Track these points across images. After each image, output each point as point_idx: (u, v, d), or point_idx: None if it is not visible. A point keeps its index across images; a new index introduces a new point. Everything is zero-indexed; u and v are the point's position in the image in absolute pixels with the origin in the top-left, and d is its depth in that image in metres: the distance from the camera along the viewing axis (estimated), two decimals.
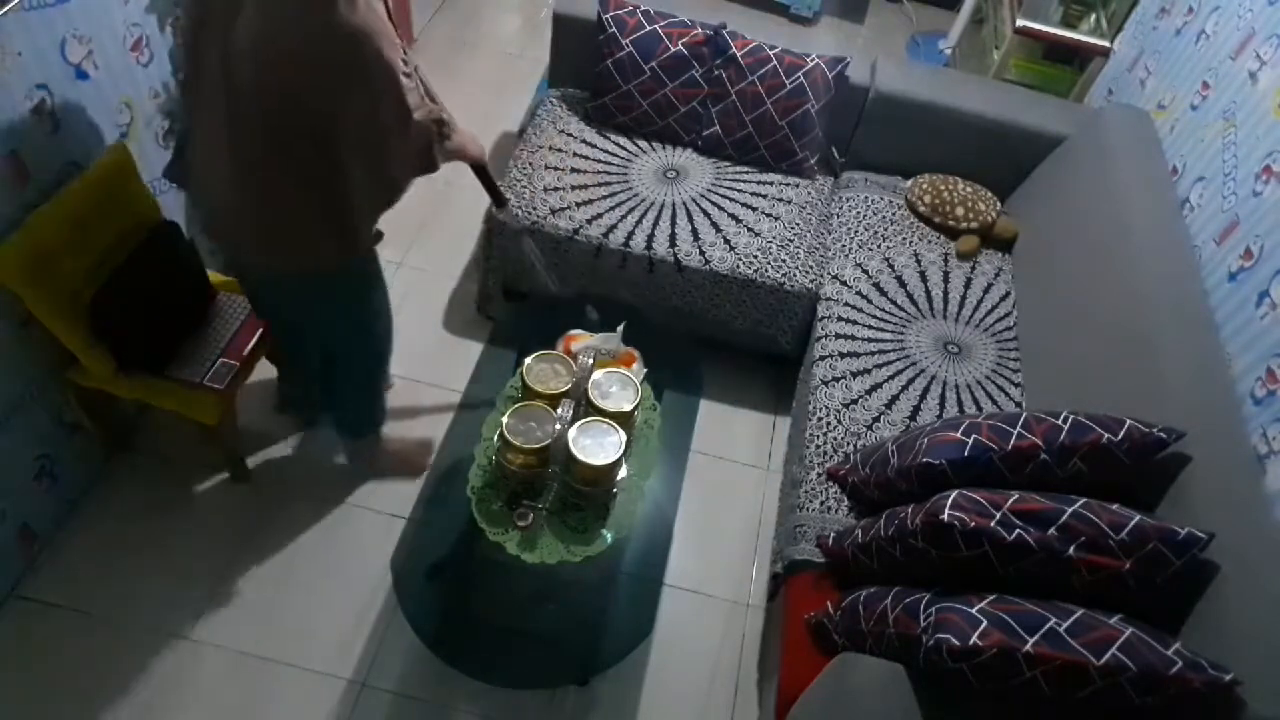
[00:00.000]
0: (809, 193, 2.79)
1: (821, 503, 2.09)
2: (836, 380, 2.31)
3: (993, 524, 1.57)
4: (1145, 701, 1.47)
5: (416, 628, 1.79)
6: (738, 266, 2.53)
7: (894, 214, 2.77)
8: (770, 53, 2.69)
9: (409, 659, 2.11)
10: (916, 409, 2.27)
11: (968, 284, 2.62)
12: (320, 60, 1.50)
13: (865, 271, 2.59)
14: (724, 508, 2.55)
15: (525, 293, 2.74)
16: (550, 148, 2.76)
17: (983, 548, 1.58)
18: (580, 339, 2.09)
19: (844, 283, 2.56)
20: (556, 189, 2.62)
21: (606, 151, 2.79)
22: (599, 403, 1.89)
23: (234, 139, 1.60)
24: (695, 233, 2.58)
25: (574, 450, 1.78)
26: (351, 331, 2.06)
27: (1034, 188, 2.76)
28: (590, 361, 1.98)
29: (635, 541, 1.94)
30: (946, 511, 1.59)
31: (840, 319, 2.46)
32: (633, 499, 1.92)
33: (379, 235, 1.91)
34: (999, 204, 2.76)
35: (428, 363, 2.70)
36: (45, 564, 2.14)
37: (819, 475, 2.14)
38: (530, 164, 2.69)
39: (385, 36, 1.54)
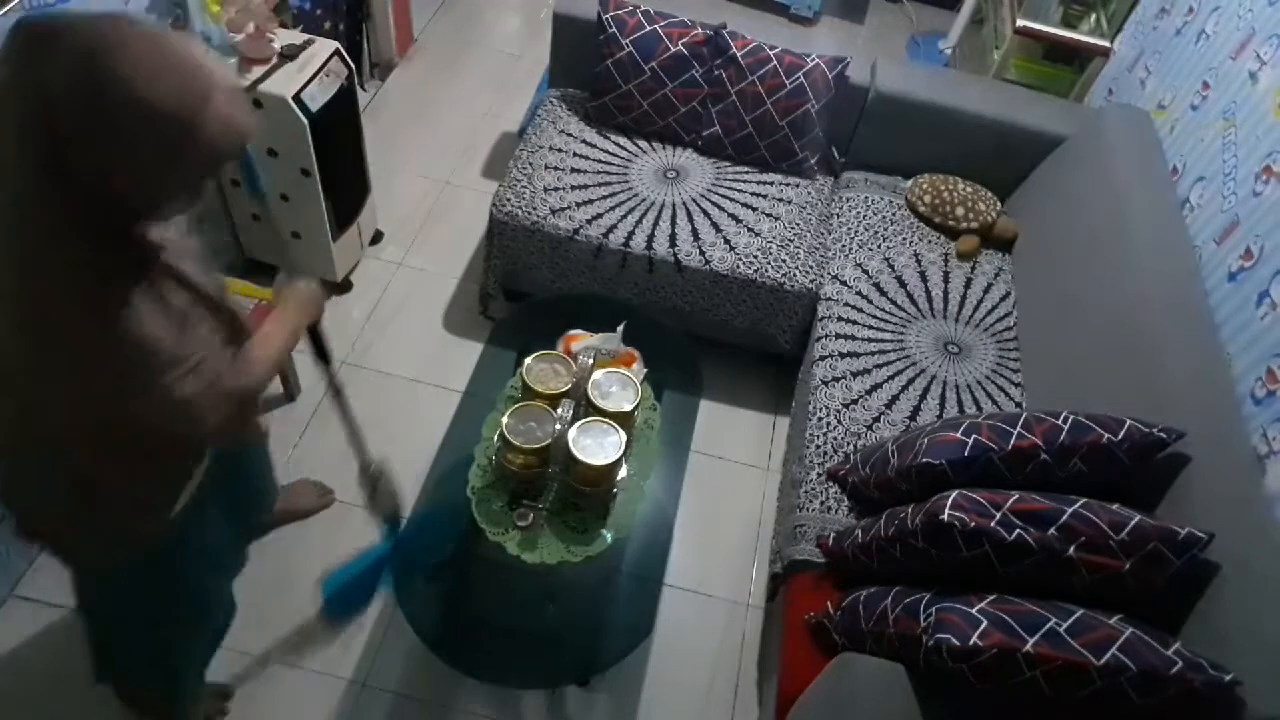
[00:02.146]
0: (809, 193, 2.79)
1: (821, 503, 2.09)
2: (836, 380, 2.31)
3: (993, 524, 1.57)
4: (1145, 701, 1.47)
5: (416, 628, 1.79)
6: (738, 266, 2.53)
7: (894, 214, 2.77)
8: (770, 53, 2.69)
9: (409, 659, 2.11)
10: (916, 409, 2.27)
11: (968, 284, 2.62)
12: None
13: (865, 271, 2.59)
14: (724, 508, 2.55)
15: (525, 293, 2.74)
16: (550, 148, 2.76)
17: (983, 548, 1.58)
18: (580, 339, 2.09)
19: (844, 283, 2.56)
20: (556, 189, 2.62)
21: (606, 151, 2.79)
22: (599, 403, 1.89)
23: None
24: (695, 233, 2.58)
25: (574, 450, 1.78)
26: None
27: (1034, 188, 2.76)
28: (590, 361, 1.98)
29: (635, 541, 1.94)
30: (946, 511, 1.59)
31: (840, 319, 2.46)
32: (633, 499, 1.91)
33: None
34: (999, 204, 2.76)
35: (428, 363, 2.71)
36: (45, 564, 2.14)
37: (819, 475, 2.14)
38: (530, 164, 2.69)
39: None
